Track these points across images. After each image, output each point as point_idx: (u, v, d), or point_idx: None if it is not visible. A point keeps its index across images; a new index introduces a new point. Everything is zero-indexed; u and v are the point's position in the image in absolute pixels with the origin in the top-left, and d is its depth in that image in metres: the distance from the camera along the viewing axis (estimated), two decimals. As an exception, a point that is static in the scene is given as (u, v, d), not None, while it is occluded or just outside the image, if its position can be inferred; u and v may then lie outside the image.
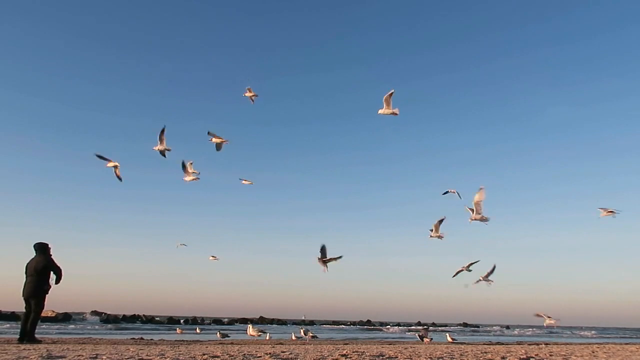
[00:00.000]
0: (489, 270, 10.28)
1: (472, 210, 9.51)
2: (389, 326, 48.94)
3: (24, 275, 8.72)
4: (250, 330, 14.21)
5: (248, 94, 12.03)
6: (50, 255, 8.86)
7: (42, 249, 8.83)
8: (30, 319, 8.49)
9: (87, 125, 62.71)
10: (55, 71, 62.93)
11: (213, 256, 16.33)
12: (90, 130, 63.42)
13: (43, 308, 8.72)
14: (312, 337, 14.09)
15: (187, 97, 66.69)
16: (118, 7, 64.27)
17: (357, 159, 69.94)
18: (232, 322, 47.92)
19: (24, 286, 8.63)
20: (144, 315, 44.47)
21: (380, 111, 9.23)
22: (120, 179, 10.62)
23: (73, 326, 29.58)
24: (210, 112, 65.52)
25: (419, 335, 14.60)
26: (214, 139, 10.88)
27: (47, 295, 8.69)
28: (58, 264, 8.78)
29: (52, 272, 8.73)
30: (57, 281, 8.79)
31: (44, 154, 62.77)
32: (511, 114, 67.22)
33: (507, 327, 61.12)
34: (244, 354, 6.09)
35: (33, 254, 8.88)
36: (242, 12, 68.73)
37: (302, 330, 14.37)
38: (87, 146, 65.01)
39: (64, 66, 62.48)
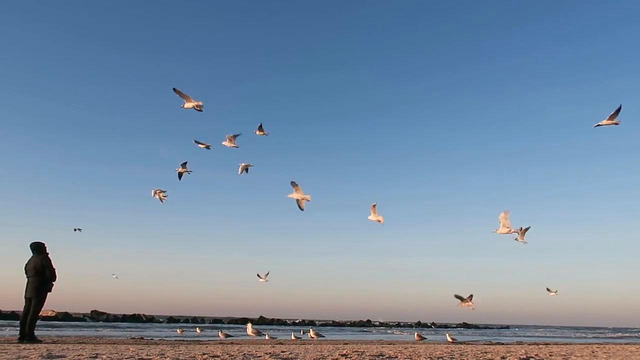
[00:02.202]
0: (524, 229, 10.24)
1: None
2: (382, 327, 48.96)
3: (25, 276, 8.76)
4: (249, 329, 14.22)
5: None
6: (47, 254, 8.91)
7: (38, 248, 8.87)
8: (30, 316, 8.51)
9: (87, 125, 62.91)
10: (55, 71, 63.16)
11: (261, 276, 15.13)
12: (90, 130, 63.60)
13: (42, 307, 8.75)
14: (319, 336, 14.15)
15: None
16: (118, 7, 64.41)
17: (357, 159, 70.09)
18: (232, 322, 47.90)
19: (26, 286, 8.67)
20: (144, 315, 44.49)
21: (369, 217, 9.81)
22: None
23: (73, 326, 29.57)
24: (210, 112, 65.48)
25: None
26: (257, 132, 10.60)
27: (49, 294, 8.76)
28: (53, 266, 8.82)
29: (52, 266, 8.79)
30: (50, 282, 8.77)
31: (44, 154, 62.93)
32: (511, 114, 67.42)
33: (507, 327, 61.13)
34: (244, 354, 6.09)
35: (31, 254, 8.92)
36: (242, 12, 68.85)
37: (311, 332, 14.39)
38: (87, 146, 65.06)
39: (64, 66, 62.71)
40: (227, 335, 14.33)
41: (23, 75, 61.44)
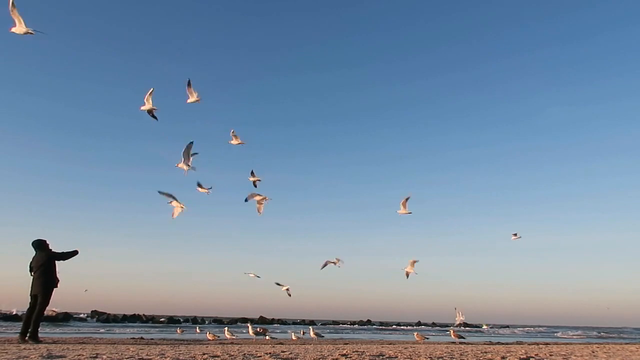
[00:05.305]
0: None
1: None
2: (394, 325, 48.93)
3: (30, 274, 8.78)
4: (250, 330, 14.23)
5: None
6: (51, 250, 8.97)
7: (40, 245, 8.91)
8: (35, 313, 8.50)
9: (87, 125, 62.91)
10: (55, 71, 63.08)
11: (252, 274, 15.74)
12: (90, 130, 63.63)
13: (48, 303, 8.75)
14: (319, 337, 14.14)
15: (186, 97, 66.55)
16: (118, 7, 64.37)
17: (357, 159, 70.11)
18: (232, 322, 47.90)
19: (32, 283, 8.68)
20: (144, 315, 44.49)
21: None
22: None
23: (73, 326, 29.57)
24: (211, 112, 65.68)
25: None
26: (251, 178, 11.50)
27: (55, 289, 8.78)
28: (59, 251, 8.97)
29: (56, 263, 8.87)
30: (71, 255, 9.02)
31: (44, 154, 62.91)
32: (511, 114, 67.45)
33: (507, 327, 61.15)
34: (244, 354, 6.09)
35: (33, 253, 8.95)
36: (242, 12, 68.84)
37: (311, 331, 14.37)
38: (87, 146, 65.08)
39: (64, 66, 62.63)
40: (217, 336, 14.26)
41: (23, 75, 61.49)
